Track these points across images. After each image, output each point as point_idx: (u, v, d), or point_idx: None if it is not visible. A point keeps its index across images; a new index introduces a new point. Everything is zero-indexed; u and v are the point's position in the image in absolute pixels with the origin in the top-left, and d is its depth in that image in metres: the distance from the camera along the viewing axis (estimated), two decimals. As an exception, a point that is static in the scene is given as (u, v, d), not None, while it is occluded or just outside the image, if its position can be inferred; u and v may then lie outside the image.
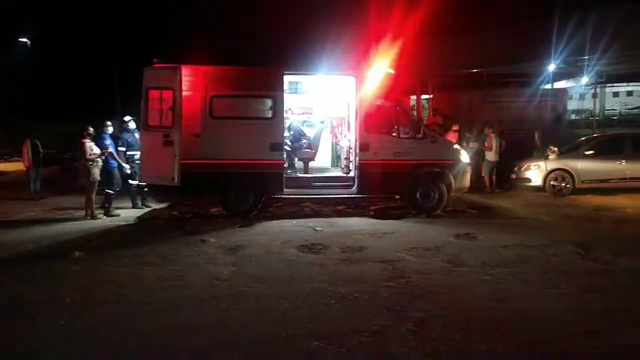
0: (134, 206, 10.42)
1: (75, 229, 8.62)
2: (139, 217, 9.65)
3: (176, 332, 4.34)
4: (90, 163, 9.28)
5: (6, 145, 21.54)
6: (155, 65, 9.06)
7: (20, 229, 8.78)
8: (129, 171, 9.99)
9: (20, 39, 33.43)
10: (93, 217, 9.36)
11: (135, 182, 10.10)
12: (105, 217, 9.49)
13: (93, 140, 9.44)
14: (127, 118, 10.29)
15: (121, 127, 10.72)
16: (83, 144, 9.29)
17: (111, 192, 9.73)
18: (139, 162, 9.59)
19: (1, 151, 22.03)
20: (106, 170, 9.66)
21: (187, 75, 8.82)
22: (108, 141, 9.74)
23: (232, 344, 4.10)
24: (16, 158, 17.66)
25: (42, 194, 11.92)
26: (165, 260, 6.54)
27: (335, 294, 5.15)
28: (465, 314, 4.62)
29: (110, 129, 9.96)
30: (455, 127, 12.41)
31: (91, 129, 9.48)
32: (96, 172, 9.37)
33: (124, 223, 9.15)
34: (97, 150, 9.38)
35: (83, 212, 9.57)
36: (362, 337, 4.15)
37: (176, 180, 8.72)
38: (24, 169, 12.35)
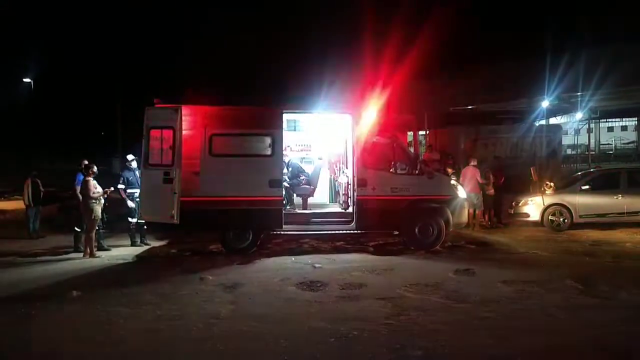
0: (133, 244, 10.42)
1: (74, 268, 8.60)
2: (137, 255, 9.63)
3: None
4: (93, 201, 9.35)
5: (7, 184, 21.62)
6: (157, 105, 9.25)
7: (19, 268, 8.76)
8: (132, 205, 10.07)
9: (23, 79, 34.13)
10: (92, 255, 9.35)
11: (134, 220, 10.14)
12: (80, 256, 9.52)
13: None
14: (130, 157, 10.43)
15: (123, 165, 10.88)
16: (87, 182, 9.40)
17: (79, 230, 9.84)
18: (138, 199, 9.67)
19: (1, 189, 22.08)
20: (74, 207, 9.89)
21: (187, 115, 9.00)
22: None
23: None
24: (17, 196, 17.69)
25: (41, 233, 11.92)
26: (163, 299, 6.51)
27: (334, 332, 5.11)
28: (465, 351, 4.59)
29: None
30: (473, 162, 12.37)
31: (95, 168, 9.63)
32: (98, 210, 9.44)
33: (122, 261, 9.13)
34: (100, 188, 9.49)
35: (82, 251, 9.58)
36: (362, 377, 4.12)
37: (175, 217, 8.75)
38: (24, 207, 12.39)
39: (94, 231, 9.51)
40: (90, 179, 9.45)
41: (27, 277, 7.99)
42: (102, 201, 9.58)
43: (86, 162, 10.09)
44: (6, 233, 12.23)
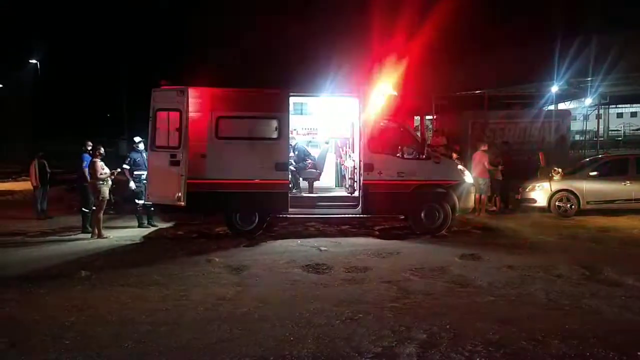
0: (140, 225, 10.49)
1: (82, 248, 8.69)
2: (145, 237, 9.70)
3: (179, 353, 4.34)
4: (101, 182, 9.41)
5: (14, 165, 21.80)
6: (163, 87, 9.23)
7: (27, 248, 8.85)
8: (134, 187, 10.14)
9: (29, 60, 34.09)
10: (100, 236, 9.42)
11: (141, 202, 10.20)
12: (90, 236, 9.58)
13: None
14: (137, 139, 10.45)
15: (130, 147, 10.93)
16: (94, 163, 9.45)
17: (87, 210, 9.89)
18: (145, 181, 9.71)
19: (9, 170, 22.28)
20: (82, 188, 9.99)
21: (194, 97, 8.98)
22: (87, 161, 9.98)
23: (236, 364, 4.09)
24: (24, 177, 17.84)
25: (49, 213, 12.02)
26: (170, 279, 6.57)
27: (339, 315, 5.15)
28: (470, 335, 4.60)
29: (89, 149, 10.16)
30: (483, 147, 12.23)
31: (102, 149, 9.66)
32: (106, 191, 9.51)
33: (129, 242, 9.20)
34: (107, 169, 9.54)
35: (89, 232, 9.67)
36: (366, 359, 4.15)
37: (182, 199, 8.79)
38: (31, 188, 12.49)
39: (102, 212, 9.58)
40: (98, 160, 9.50)
41: (36, 256, 8.08)
42: (110, 182, 9.64)
43: (90, 144, 10.16)
44: (15, 213, 12.36)
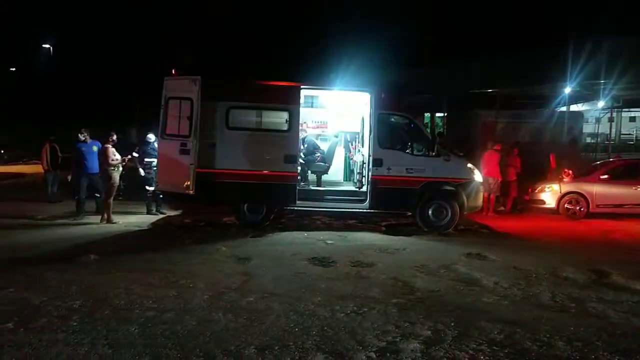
0: (149, 212, 10.58)
1: (91, 233, 8.78)
2: (153, 223, 9.78)
3: (185, 338, 4.38)
4: (112, 168, 9.51)
5: (25, 148, 21.99)
6: (176, 76, 9.26)
7: (36, 231, 8.96)
8: (143, 174, 10.22)
9: (43, 45, 34.27)
10: (109, 221, 9.52)
11: (151, 188, 10.27)
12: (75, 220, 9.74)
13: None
14: (151, 137, 10.47)
15: (141, 138, 11.07)
16: (106, 149, 9.56)
17: (98, 196, 10.07)
18: (155, 168, 9.78)
19: (20, 153, 22.50)
20: (80, 175, 10.09)
21: (205, 86, 8.99)
22: (84, 149, 10.07)
23: (238, 353, 4.13)
24: (35, 161, 18.01)
25: (59, 197, 12.14)
26: (176, 267, 6.62)
27: (344, 308, 5.17)
28: (474, 334, 4.60)
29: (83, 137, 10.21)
30: (497, 147, 12.13)
31: (114, 136, 9.75)
32: (116, 177, 9.60)
33: (138, 228, 9.29)
34: (118, 156, 9.63)
35: (99, 216, 9.77)
36: (370, 353, 4.16)
37: (191, 188, 8.84)
38: (42, 171, 12.61)
39: (112, 197, 9.67)
40: (109, 146, 9.60)
41: (45, 240, 8.18)
42: (121, 169, 9.74)
43: (84, 131, 10.13)
44: (24, 196, 12.50)
